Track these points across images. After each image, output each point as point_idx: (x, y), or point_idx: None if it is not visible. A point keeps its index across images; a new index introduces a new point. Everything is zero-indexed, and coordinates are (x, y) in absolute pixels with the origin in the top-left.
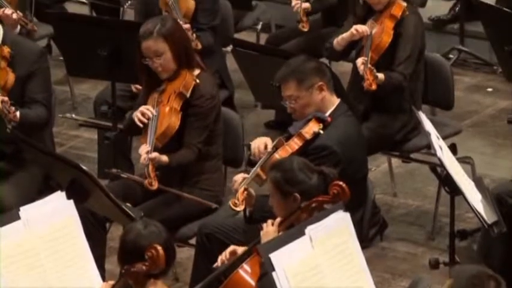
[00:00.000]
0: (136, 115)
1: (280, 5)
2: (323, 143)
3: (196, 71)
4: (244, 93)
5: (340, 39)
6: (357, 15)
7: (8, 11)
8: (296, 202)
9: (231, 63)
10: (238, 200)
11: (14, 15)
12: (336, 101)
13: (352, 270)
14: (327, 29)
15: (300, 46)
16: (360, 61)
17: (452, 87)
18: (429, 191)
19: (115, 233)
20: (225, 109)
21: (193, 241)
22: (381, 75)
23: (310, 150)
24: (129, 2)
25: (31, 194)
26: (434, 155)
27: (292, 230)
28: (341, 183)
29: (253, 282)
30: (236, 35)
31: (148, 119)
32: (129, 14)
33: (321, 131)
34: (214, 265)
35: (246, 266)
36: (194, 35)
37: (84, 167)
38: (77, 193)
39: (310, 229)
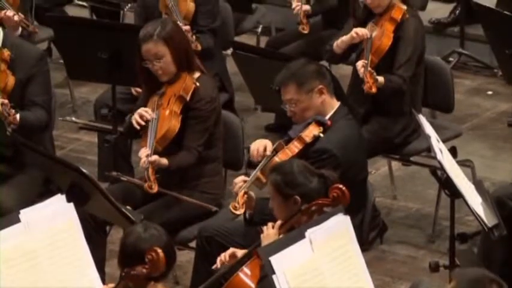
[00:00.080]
0: (135, 117)
1: (280, 8)
2: (323, 146)
3: (196, 74)
4: (244, 96)
5: (340, 42)
6: (357, 18)
7: (10, 12)
8: (296, 205)
9: (231, 66)
10: (238, 203)
11: (16, 17)
12: (336, 104)
13: (352, 273)
14: (327, 31)
15: (300, 49)
16: (360, 64)
17: (452, 90)
18: (429, 194)
19: (115, 236)
20: (225, 112)
21: (193, 244)
22: (380, 79)
23: (310, 154)
24: (129, 5)
25: (31, 197)
26: (435, 158)
27: (292, 233)
28: (341, 186)
29: (253, 285)
30: (236, 38)
31: (146, 121)
32: (129, 17)
33: (321, 135)
34: (213, 266)
35: (246, 268)
36: (194, 36)
37: (84, 170)
38: (77, 196)
39: (310, 232)
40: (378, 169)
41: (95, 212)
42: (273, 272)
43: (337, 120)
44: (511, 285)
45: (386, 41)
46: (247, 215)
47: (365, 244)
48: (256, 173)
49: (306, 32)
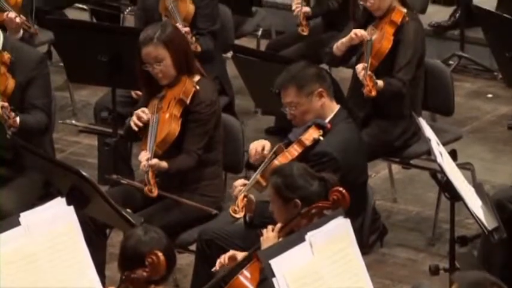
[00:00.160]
0: (132, 119)
1: (280, 11)
2: (323, 149)
3: (196, 77)
4: (244, 99)
5: (339, 44)
6: (357, 21)
7: (12, 14)
8: (296, 208)
9: (231, 69)
10: (238, 207)
11: (18, 19)
12: (335, 107)
13: (352, 276)
14: (328, 34)
15: (300, 52)
16: (360, 67)
17: (452, 93)
18: (429, 197)
19: (115, 239)
20: (225, 115)
21: (193, 247)
22: (380, 82)
23: (310, 157)
24: (129, 8)
25: (31, 200)
26: (435, 161)
27: (292, 236)
28: (341, 189)
29: None
30: (236, 41)
31: (144, 122)
32: (129, 20)
33: (321, 138)
34: (213, 269)
35: (246, 271)
36: (193, 38)
37: (84, 173)
38: (77, 199)
39: (310, 235)
40: (378, 172)
41: (95, 215)
42: (273, 275)
43: (337, 123)
44: None
45: (386, 44)
46: (247, 218)
47: (365, 247)
48: (256, 176)
49: (305, 33)
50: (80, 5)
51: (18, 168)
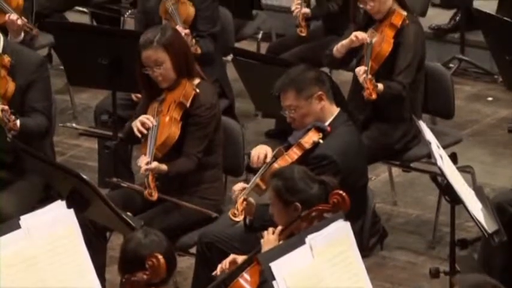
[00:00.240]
0: (136, 125)
1: (281, 14)
2: (323, 152)
3: (196, 81)
4: (244, 102)
5: (339, 47)
6: (357, 24)
7: (14, 16)
8: (297, 211)
9: (232, 72)
10: (237, 210)
11: (19, 21)
12: (335, 110)
13: (353, 279)
14: (328, 37)
15: (300, 55)
16: (361, 70)
17: (452, 97)
18: (429, 200)
19: (115, 242)
20: (225, 118)
21: (193, 250)
22: (380, 85)
23: (310, 160)
24: (129, 11)
25: (31, 203)
26: (435, 164)
27: (292, 239)
28: (341, 192)
29: None
30: (236, 44)
31: (147, 128)
32: (129, 23)
33: (321, 141)
34: (214, 273)
35: (246, 274)
36: (194, 40)
37: (84, 176)
38: (78, 202)
39: (310, 238)
40: (378, 175)
41: (95, 218)
42: (273, 278)
43: (337, 126)
44: None
45: (387, 47)
46: (247, 221)
47: (365, 250)
48: (255, 179)
49: (303, 34)
50: (80, 8)
51: (19, 171)
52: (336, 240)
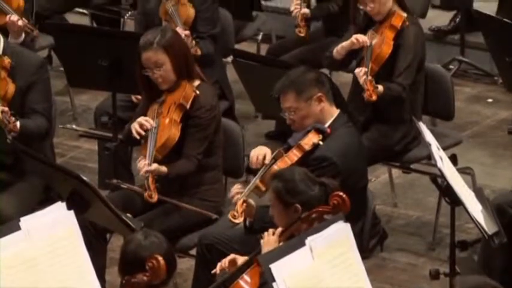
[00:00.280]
0: (134, 127)
1: (281, 15)
2: (323, 154)
3: (196, 82)
4: (244, 103)
5: (340, 48)
6: (357, 25)
7: (14, 17)
8: (297, 213)
9: (232, 73)
10: (237, 212)
11: (20, 22)
12: (335, 112)
13: (353, 281)
14: (328, 39)
15: (301, 56)
16: (361, 71)
17: (452, 98)
18: (429, 201)
19: (115, 243)
20: (225, 120)
21: (193, 252)
22: (380, 87)
23: (310, 162)
24: (129, 12)
25: (31, 205)
26: (435, 165)
27: (292, 241)
28: (341, 193)
29: None
30: (236, 46)
31: (146, 130)
32: (129, 24)
33: (321, 142)
34: (213, 271)
35: (246, 276)
36: (194, 41)
37: (84, 178)
38: (78, 204)
39: (310, 240)
40: (378, 177)
41: (95, 219)
42: (273, 280)
43: (337, 128)
44: None
45: (387, 49)
46: (247, 223)
47: (365, 252)
48: (255, 181)
49: (302, 35)
50: (80, 10)
51: (19, 172)
52: (336, 241)
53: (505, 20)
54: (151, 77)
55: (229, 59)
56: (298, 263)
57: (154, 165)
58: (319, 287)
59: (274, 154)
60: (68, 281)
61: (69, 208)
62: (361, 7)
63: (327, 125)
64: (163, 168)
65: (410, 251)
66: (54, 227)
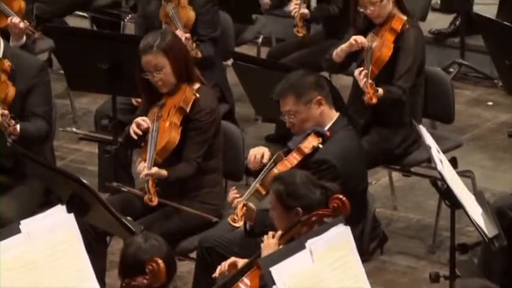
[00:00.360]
0: (132, 127)
1: (281, 18)
2: (322, 157)
3: (196, 85)
4: (244, 106)
5: (339, 51)
6: (357, 28)
7: (16, 19)
8: (298, 216)
9: (232, 76)
10: (237, 216)
11: (22, 24)
12: (335, 115)
13: (353, 284)
14: (328, 42)
15: (301, 59)
16: (362, 74)
17: (452, 101)
18: (429, 204)
19: (115, 246)
20: (225, 123)
21: (193, 255)
22: (380, 90)
23: (310, 165)
24: (129, 15)
25: (31, 208)
26: (435, 168)
27: (292, 244)
28: (341, 196)
29: None
30: (237, 49)
31: (143, 130)
32: (129, 27)
33: (320, 146)
34: (213, 275)
35: (246, 279)
36: (194, 44)
37: (84, 181)
38: (78, 207)
39: (310, 243)
40: (379, 180)
41: (96, 222)
42: (273, 283)
43: (337, 131)
44: None
45: (387, 52)
46: (247, 227)
47: (365, 255)
48: (255, 184)
49: (300, 35)
50: (80, 13)
51: (19, 176)
52: (336, 244)
53: (505, 23)
54: (151, 80)
55: (230, 62)
56: (298, 266)
57: (155, 169)
58: None
59: (274, 157)
60: (68, 284)
61: (69, 211)
62: (361, 10)
63: (326, 128)
64: (163, 172)
65: (410, 254)
66: (54, 230)
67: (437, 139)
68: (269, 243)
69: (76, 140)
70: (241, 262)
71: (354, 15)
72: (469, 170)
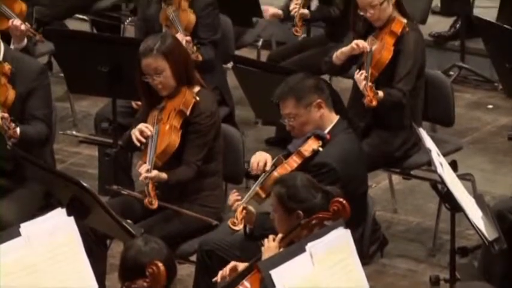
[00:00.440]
0: (135, 133)
1: (281, 21)
2: (322, 160)
3: (196, 88)
4: (244, 109)
5: (339, 54)
6: (357, 31)
7: (17, 22)
8: (299, 219)
9: (232, 80)
10: (237, 219)
11: (23, 27)
12: (334, 118)
13: (353, 287)
14: (329, 45)
15: (301, 62)
16: (361, 77)
17: (452, 104)
18: (430, 207)
19: (116, 249)
20: (225, 126)
21: (193, 258)
22: (380, 93)
23: (310, 168)
24: (129, 19)
25: (31, 211)
26: (435, 171)
27: (292, 247)
28: (341, 199)
29: None
30: (237, 52)
31: (146, 137)
32: (129, 30)
33: (320, 149)
34: (214, 279)
35: (246, 282)
36: (195, 47)
37: (84, 184)
38: (78, 210)
39: (310, 246)
40: (379, 183)
41: (96, 225)
42: (274, 286)
43: (337, 134)
44: None
45: (387, 55)
46: (247, 230)
47: (365, 258)
48: (255, 188)
49: (298, 34)
50: (81, 16)
51: (19, 179)
52: (336, 247)
53: (505, 26)
54: (151, 83)
55: (230, 65)
56: (299, 269)
57: (155, 172)
58: None
59: (274, 161)
60: (68, 287)
61: (69, 214)
62: (361, 13)
63: (326, 131)
64: (164, 175)
65: (410, 257)
66: (55, 233)
67: (438, 142)
68: (270, 247)
69: (76, 143)
70: (241, 266)
71: (354, 18)
72: (469, 173)
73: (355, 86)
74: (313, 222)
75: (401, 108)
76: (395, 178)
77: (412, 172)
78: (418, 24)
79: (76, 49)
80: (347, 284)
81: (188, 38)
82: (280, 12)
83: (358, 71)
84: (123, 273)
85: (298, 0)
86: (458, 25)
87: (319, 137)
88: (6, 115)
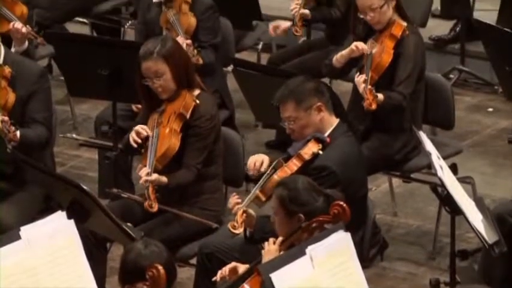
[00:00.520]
0: (131, 135)
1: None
2: (322, 163)
3: (196, 91)
4: (244, 113)
5: (339, 56)
6: (357, 34)
7: (18, 24)
8: (300, 222)
9: (232, 83)
10: (237, 222)
11: (24, 29)
12: (335, 121)
13: None
14: (329, 48)
15: (302, 65)
16: (361, 80)
17: (452, 107)
18: (430, 210)
19: (116, 253)
20: (225, 129)
21: (193, 261)
22: (380, 95)
23: (310, 171)
24: (129, 22)
25: (31, 214)
26: (435, 174)
27: (292, 250)
28: (341, 203)
29: None
30: (237, 55)
31: (142, 138)
32: (129, 34)
33: (320, 152)
34: (213, 278)
35: (246, 285)
36: (195, 50)
37: (84, 187)
38: (78, 213)
39: (310, 249)
40: (379, 186)
41: (96, 228)
42: None
43: (337, 137)
44: None
45: (387, 58)
46: (247, 233)
47: (365, 261)
48: (255, 191)
49: (298, 34)
50: (81, 19)
51: (19, 182)
52: (336, 251)
53: (505, 29)
54: (151, 86)
55: (230, 68)
56: (299, 272)
57: (155, 176)
58: None
59: (274, 164)
60: None
61: (69, 217)
62: (361, 16)
63: (326, 134)
64: (164, 179)
65: (410, 260)
66: (55, 236)
67: (438, 145)
68: (270, 250)
69: (76, 146)
70: (241, 267)
71: (354, 21)
72: (469, 176)
73: (355, 89)
74: (314, 225)
75: (402, 111)
76: (396, 181)
77: (412, 175)
78: (418, 28)
79: (76, 52)
80: (347, 287)
81: (188, 41)
82: (289, 24)
83: (358, 74)
84: (123, 276)
85: (298, 0)
86: (458, 28)
87: (319, 140)
88: (6, 118)
